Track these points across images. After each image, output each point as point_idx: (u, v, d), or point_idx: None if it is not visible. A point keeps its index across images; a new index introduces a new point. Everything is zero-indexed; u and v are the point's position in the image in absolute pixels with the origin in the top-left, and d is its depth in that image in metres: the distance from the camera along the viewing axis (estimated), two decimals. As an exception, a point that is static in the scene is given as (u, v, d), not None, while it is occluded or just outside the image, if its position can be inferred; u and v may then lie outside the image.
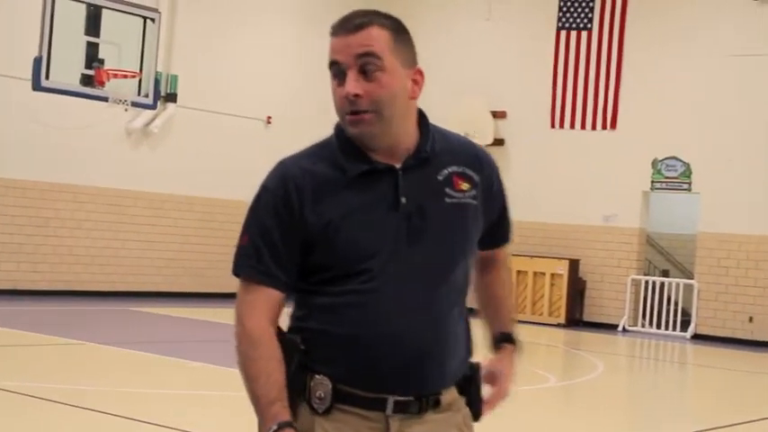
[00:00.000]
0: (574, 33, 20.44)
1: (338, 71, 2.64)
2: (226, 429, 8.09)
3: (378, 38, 2.62)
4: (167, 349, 12.16)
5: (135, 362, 11.33)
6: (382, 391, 2.61)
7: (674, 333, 19.19)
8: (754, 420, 10.60)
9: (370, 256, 2.61)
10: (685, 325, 19.27)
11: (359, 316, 2.60)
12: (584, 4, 20.31)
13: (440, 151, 2.75)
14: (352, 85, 2.60)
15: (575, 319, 19.93)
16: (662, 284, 19.78)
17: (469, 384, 2.79)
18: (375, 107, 2.62)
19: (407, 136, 2.72)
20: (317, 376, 2.62)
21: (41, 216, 17.68)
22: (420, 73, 2.75)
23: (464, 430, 2.78)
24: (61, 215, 17.94)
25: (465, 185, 2.72)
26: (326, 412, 2.62)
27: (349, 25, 2.63)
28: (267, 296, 2.66)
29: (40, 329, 13.28)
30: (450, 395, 2.71)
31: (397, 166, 2.68)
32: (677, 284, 19.74)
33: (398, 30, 2.69)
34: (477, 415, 2.84)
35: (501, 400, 2.93)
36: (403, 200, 2.65)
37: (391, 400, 2.60)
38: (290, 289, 2.69)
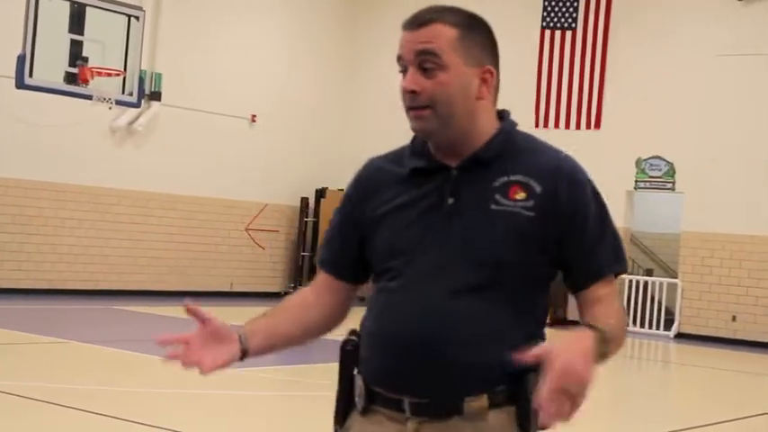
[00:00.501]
0: (558, 33, 20.48)
1: (402, 66, 2.64)
2: (211, 428, 8.08)
3: (439, 35, 2.59)
4: (152, 348, 12.13)
5: (119, 360, 11.31)
6: (398, 392, 2.58)
7: (658, 332, 19.24)
8: (738, 419, 10.64)
9: (399, 254, 2.62)
10: (669, 324, 19.32)
11: (380, 315, 2.64)
12: (568, 4, 20.34)
13: (507, 157, 2.66)
14: (409, 80, 2.60)
15: (559, 319, 19.94)
16: (645, 283, 19.84)
17: (517, 395, 2.56)
18: (432, 103, 2.60)
19: (474, 137, 2.66)
20: (356, 375, 2.67)
21: (25, 214, 17.63)
22: (490, 72, 2.69)
23: None
24: (45, 213, 17.89)
25: (521, 195, 2.61)
26: (364, 412, 2.65)
27: (415, 21, 2.63)
28: (322, 278, 2.83)
29: (24, 328, 13.25)
30: (479, 402, 2.55)
31: (453, 165, 2.65)
32: (661, 283, 19.80)
33: (469, 27, 2.65)
34: (524, 428, 2.54)
35: (560, 386, 2.29)
36: (450, 200, 2.62)
37: (407, 401, 2.57)
38: (345, 278, 2.81)
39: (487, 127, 2.69)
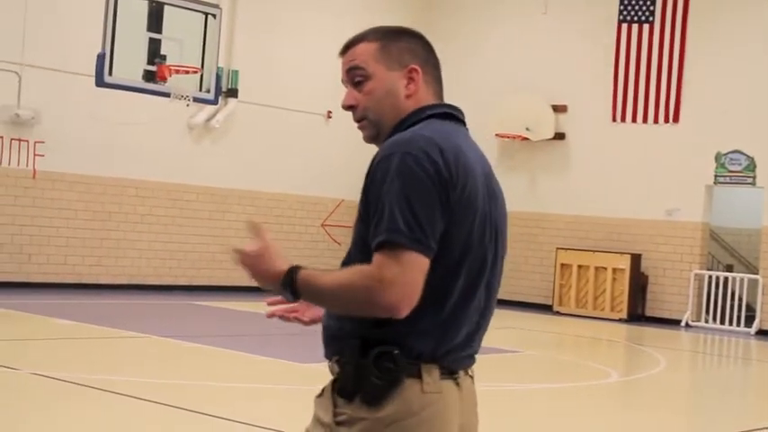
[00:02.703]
0: (635, 26, 20.27)
1: (346, 87, 2.94)
2: (291, 423, 8.12)
3: (362, 52, 2.89)
4: (230, 343, 12.23)
5: (198, 355, 11.41)
6: None
7: (739, 329, 18.97)
8: (820, 417, 10.46)
9: None
10: (750, 320, 19.05)
11: None
12: (646, -3, 20.14)
13: None
14: (346, 97, 2.91)
15: (637, 315, 19.78)
16: (726, 279, 19.57)
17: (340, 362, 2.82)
18: (364, 113, 2.89)
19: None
20: None
21: (105, 211, 17.88)
22: (415, 70, 2.88)
23: (326, 390, 2.84)
24: (124, 210, 18.13)
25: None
26: None
27: (343, 47, 2.94)
28: None
29: (104, 323, 13.42)
30: (331, 363, 2.85)
31: None
32: (741, 279, 19.53)
33: (389, 38, 2.90)
34: (340, 393, 2.78)
35: (244, 261, 2.79)
36: None
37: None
38: None
39: (409, 122, 2.85)
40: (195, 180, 19.00)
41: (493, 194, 2.83)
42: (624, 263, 19.71)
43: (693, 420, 10.43)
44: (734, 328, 19.02)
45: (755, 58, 19.04)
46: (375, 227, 2.63)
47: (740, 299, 19.26)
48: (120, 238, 18.14)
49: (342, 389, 2.73)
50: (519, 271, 21.39)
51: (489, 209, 2.78)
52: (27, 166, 17.09)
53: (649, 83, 20.13)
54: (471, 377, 2.86)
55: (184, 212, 18.91)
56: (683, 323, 19.28)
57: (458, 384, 2.78)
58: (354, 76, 2.88)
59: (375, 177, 2.67)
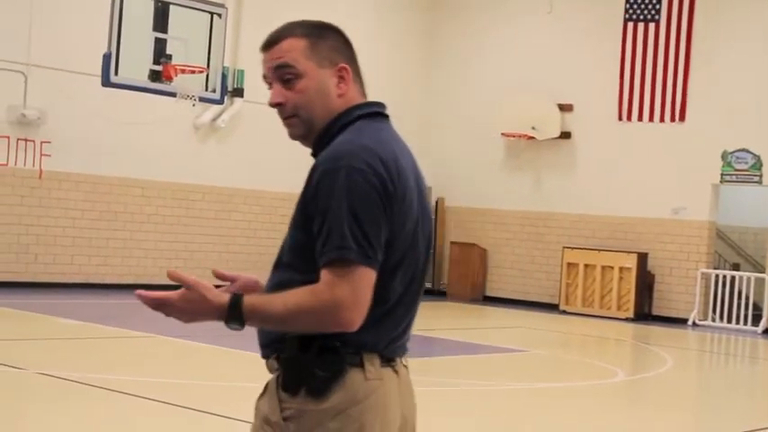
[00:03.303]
0: (641, 25, 20.24)
1: (268, 84, 2.93)
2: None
3: (291, 48, 2.87)
4: (236, 342, 12.23)
5: (206, 354, 11.42)
6: None
7: (746, 327, 18.95)
8: (828, 416, 10.44)
9: None
10: (757, 319, 19.02)
11: None
12: (652, -5, 20.12)
13: (324, 148, 2.82)
14: (273, 95, 2.89)
15: (643, 314, 19.76)
16: (732, 278, 19.54)
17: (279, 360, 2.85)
18: (295, 111, 2.87)
19: (336, 132, 2.87)
20: None
21: (111, 210, 17.91)
22: (345, 69, 2.90)
23: (268, 390, 2.87)
24: (130, 209, 18.15)
25: (307, 181, 2.80)
26: None
27: (268, 42, 2.94)
28: None
29: (111, 322, 13.44)
30: (269, 361, 2.89)
31: None
32: (748, 278, 19.50)
33: (317, 35, 2.91)
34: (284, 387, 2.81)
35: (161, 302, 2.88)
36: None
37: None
38: None
39: (340, 123, 2.87)
40: (201, 180, 19.02)
41: (422, 195, 2.88)
42: (631, 262, 19.69)
43: (701, 419, 10.42)
44: (741, 326, 18.99)
45: (762, 56, 19.01)
46: (324, 243, 2.66)
47: (747, 298, 19.23)
48: (127, 238, 18.16)
49: (285, 384, 2.76)
50: (525, 270, 21.38)
51: (420, 212, 2.83)
52: (33, 165, 17.12)
53: (655, 81, 20.10)
54: (406, 366, 2.91)
55: (190, 212, 18.93)
56: (689, 322, 19.25)
57: (396, 372, 2.83)
58: (284, 74, 2.86)
59: (320, 191, 2.70)
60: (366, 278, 2.65)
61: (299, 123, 2.89)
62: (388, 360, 2.81)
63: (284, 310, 2.66)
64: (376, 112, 2.93)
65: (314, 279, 2.67)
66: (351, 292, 2.62)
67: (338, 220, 2.65)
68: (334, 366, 2.71)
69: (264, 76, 2.93)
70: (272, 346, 2.85)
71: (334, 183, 2.67)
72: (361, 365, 2.74)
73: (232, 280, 3.01)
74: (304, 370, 2.73)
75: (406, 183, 2.76)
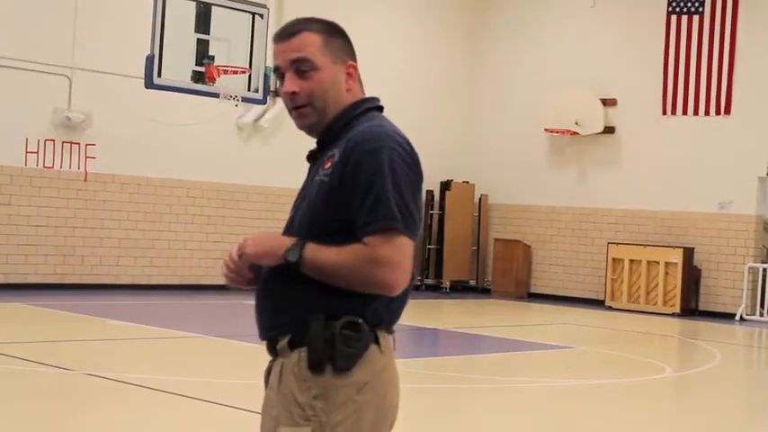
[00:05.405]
0: (685, 18, 20.08)
1: (279, 74, 3.10)
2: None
3: (308, 43, 3.08)
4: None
5: (252, 354, 11.45)
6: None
7: (794, 322, 18.75)
8: None
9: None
10: (805, 313, 18.82)
11: None
12: (695, -12, 19.96)
13: (340, 136, 3.03)
14: (288, 84, 3.05)
15: (690, 309, 19.60)
16: (779, 272, 19.33)
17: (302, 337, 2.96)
18: (309, 100, 3.05)
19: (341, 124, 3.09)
20: None
21: (156, 212, 18.01)
22: (353, 67, 3.13)
23: (284, 373, 3.00)
24: (175, 210, 18.24)
25: (328, 165, 2.99)
26: None
27: (284, 33, 3.15)
28: None
29: (157, 323, 13.52)
30: (281, 343, 3.02)
31: None
32: (796, 272, 19.29)
33: (330, 32, 3.16)
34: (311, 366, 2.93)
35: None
36: (309, 179, 3.13)
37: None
38: None
39: (351, 114, 3.08)
40: (245, 180, 19.09)
41: None
42: (677, 257, 19.53)
43: (749, 416, 10.31)
44: (790, 321, 18.79)
45: (808, 47, 18.81)
46: (369, 214, 2.87)
47: (794, 291, 19.03)
48: (172, 239, 18.25)
49: (311, 363, 2.91)
50: (570, 266, 21.29)
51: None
52: (78, 168, 17.25)
53: (700, 74, 19.93)
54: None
55: (234, 212, 19.00)
56: (737, 317, 19.08)
57: (393, 341, 3.08)
58: (300, 66, 3.04)
59: (362, 169, 2.89)
60: (409, 246, 2.93)
61: (313, 112, 3.07)
62: (389, 333, 3.05)
63: (336, 258, 2.87)
64: (379, 106, 3.16)
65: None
66: (395, 255, 2.87)
67: (385, 194, 2.87)
68: (360, 342, 2.90)
69: (276, 68, 3.09)
70: (282, 328, 3.01)
71: (379, 161, 2.89)
72: (377, 340, 2.95)
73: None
74: (330, 348, 2.89)
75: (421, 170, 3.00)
